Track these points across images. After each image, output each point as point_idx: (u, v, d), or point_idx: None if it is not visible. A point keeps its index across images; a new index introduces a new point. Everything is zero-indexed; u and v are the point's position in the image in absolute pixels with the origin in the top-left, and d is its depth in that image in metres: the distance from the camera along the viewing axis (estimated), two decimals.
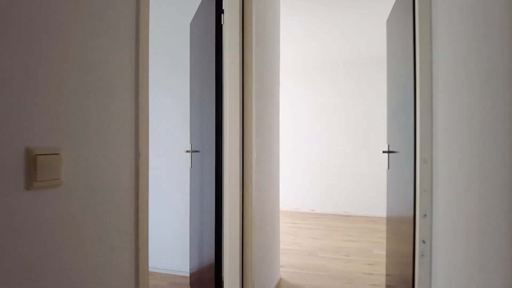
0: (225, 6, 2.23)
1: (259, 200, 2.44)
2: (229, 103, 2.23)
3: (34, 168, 0.73)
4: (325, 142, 5.94)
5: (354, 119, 5.81)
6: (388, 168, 2.48)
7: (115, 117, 0.93)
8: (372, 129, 5.71)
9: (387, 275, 2.61)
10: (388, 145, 2.47)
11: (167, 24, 3.05)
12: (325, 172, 5.91)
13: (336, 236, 4.32)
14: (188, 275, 2.92)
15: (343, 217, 5.55)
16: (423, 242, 1.78)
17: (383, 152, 2.43)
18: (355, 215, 5.66)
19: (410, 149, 1.93)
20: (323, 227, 4.83)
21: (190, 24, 2.78)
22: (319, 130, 5.99)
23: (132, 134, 0.96)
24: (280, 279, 2.96)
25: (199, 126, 2.56)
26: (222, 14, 2.25)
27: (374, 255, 3.56)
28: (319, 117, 5.99)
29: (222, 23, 2.26)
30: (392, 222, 2.45)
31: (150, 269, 3.02)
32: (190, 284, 2.74)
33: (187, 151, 2.64)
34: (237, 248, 2.23)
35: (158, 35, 3.04)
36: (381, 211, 5.55)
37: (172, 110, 3.03)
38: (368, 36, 4.51)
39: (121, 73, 0.98)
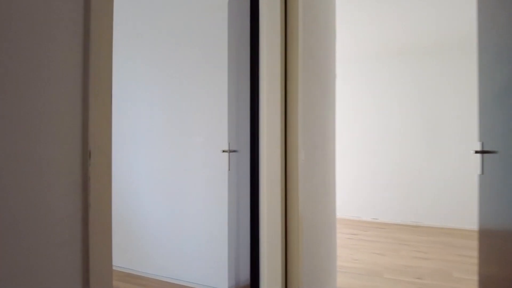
0: None
1: (308, 209, 1.98)
2: (266, 94, 1.80)
3: None
4: (389, 140, 5.24)
5: (426, 114, 5.04)
6: (482, 173, 1.87)
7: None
8: (448, 127, 4.90)
9: None
10: (482, 144, 1.86)
11: (202, 9, 2.70)
12: (389, 175, 5.21)
13: (404, 252, 3.67)
14: None
15: (412, 228, 4.82)
16: None
17: (476, 152, 1.82)
18: (425, 226, 4.90)
19: None
20: (388, 239, 4.18)
21: (228, 3, 2.40)
22: (382, 126, 5.30)
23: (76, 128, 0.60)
24: None
25: (235, 121, 2.17)
26: None
27: (455, 280, 2.89)
28: (382, 111, 5.31)
29: None
30: (490, 237, 1.83)
31: (182, 283, 2.70)
32: None
33: (223, 151, 2.26)
34: (278, 269, 1.79)
35: (194, 23, 2.71)
36: (459, 222, 4.73)
37: (209, 105, 2.68)
38: (449, 15, 3.80)
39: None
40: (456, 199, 4.78)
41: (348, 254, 3.60)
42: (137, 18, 3.02)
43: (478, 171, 1.89)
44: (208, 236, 2.67)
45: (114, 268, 3.12)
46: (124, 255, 3.08)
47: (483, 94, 1.89)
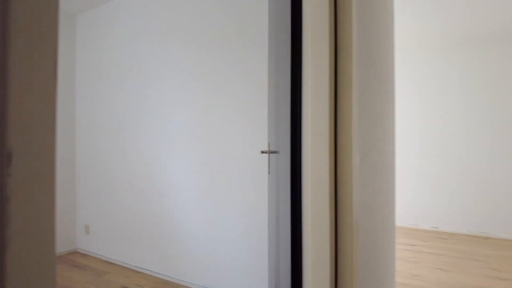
0: None
1: (364, 218, 1.66)
2: (310, 89, 1.52)
3: None
4: (454, 140, 4.66)
5: (498, 111, 4.41)
6: None
7: None
8: None
9: None
10: None
11: (240, 4, 2.46)
12: (453, 178, 4.63)
13: (474, 269, 3.17)
14: None
15: (480, 239, 4.23)
16: None
17: None
18: (496, 238, 4.28)
19: None
20: (452, 252, 3.68)
21: None
22: (446, 125, 4.73)
23: None
24: None
25: (275, 119, 1.90)
26: None
27: None
28: (445, 109, 4.73)
29: None
30: None
31: None
32: None
33: (262, 152, 1.99)
34: (326, 285, 1.50)
35: (231, 19, 2.48)
36: None
37: (247, 103, 2.43)
38: None
39: None
40: None
41: (406, 268, 3.17)
42: (174, 15, 2.86)
43: None
44: (247, 244, 2.42)
45: (151, 273, 2.98)
46: (162, 260, 2.93)
47: None
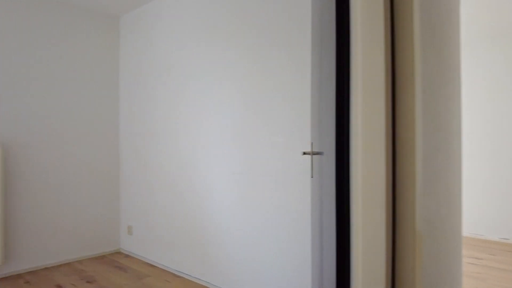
0: None
1: (428, 235, 1.39)
2: (362, 78, 1.29)
3: None
4: None
5: None
6: None
7: None
8: None
9: None
10: None
11: None
12: None
13: None
14: None
15: None
16: None
17: None
18: None
19: None
20: None
21: None
22: None
23: None
24: None
25: (318, 117, 1.68)
26: None
27: None
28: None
29: None
30: None
31: None
32: None
33: (304, 153, 1.78)
34: None
35: (272, 14, 2.30)
36: None
37: (288, 98, 2.23)
38: None
39: None
40: None
41: (472, 286, 2.78)
42: (213, 13, 2.73)
43: None
44: (288, 251, 2.21)
45: (191, 278, 2.88)
46: (202, 265, 2.81)
47: None
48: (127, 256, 3.53)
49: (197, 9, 2.86)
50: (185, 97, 2.97)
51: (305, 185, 2.10)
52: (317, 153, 1.72)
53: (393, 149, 1.26)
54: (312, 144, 1.78)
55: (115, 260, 3.39)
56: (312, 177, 1.79)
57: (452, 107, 1.66)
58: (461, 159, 1.86)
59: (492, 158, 4.27)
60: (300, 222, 2.14)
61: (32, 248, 3.11)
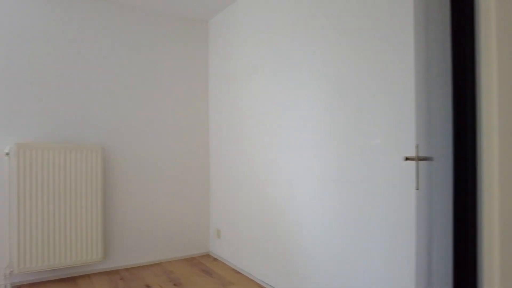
0: None
1: None
2: (497, 66, 0.93)
3: None
4: None
5: None
6: None
7: None
8: None
9: None
10: None
11: None
12: None
13: None
14: None
15: None
16: None
17: None
18: None
19: None
20: None
21: None
22: None
23: None
24: None
25: (426, 110, 1.32)
26: None
27: None
28: None
29: None
30: None
31: None
32: None
33: (407, 159, 1.43)
34: None
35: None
36: None
37: (386, 91, 1.87)
38: None
39: None
40: None
41: None
42: (304, 5, 2.51)
43: None
44: (386, 273, 1.85)
45: None
46: (287, 278, 2.59)
47: None
48: (215, 259, 3.50)
49: (286, 2, 2.67)
50: (273, 98, 2.80)
51: (407, 199, 1.71)
52: (424, 159, 1.35)
53: None
54: (417, 147, 1.42)
55: (203, 263, 3.38)
56: (417, 189, 1.42)
57: None
58: None
59: None
60: (402, 241, 1.77)
61: (128, 246, 3.28)
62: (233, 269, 3.21)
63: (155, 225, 3.42)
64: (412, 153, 1.65)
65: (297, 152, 2.51)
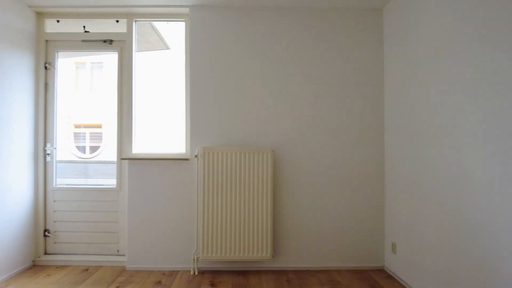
0: None
1: None
2: None
3: None
4: None
5: None
6: None
7: None
8: None
9: None
10: None
11: None
12: None
13: None
14: None
15: None
16: None
17: None
18: None
19: None
20: None
21: None
22: None
23: None
24: None
25: None
26: None
27: None
28: None
29: None
30: None
31: None
32: None
33: None
34: None
35: None
36: None
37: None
38: None
39: None
40: None
41: None
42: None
43: None
44: None
45: None
46: None
47: None
48: (388, 276, 3.09)
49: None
50: (464, 89, 2.24)
51: None
52: None
53: None
54: None
55: (374, 279, 3.03)
56: None
57: None
58: None
59: None
60: None
61: (295, 248, 3.28)
62: None
63: (324, 230, 3.30)
64: None
65: (495, 155, 1.89)
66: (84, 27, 3.51)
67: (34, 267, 3.32)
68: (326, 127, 3.33)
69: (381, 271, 3.23)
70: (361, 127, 3.35)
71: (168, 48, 4.82)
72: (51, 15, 3.45)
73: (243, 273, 3.18)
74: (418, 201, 2.70)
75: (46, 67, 3.47)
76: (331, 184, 3.32)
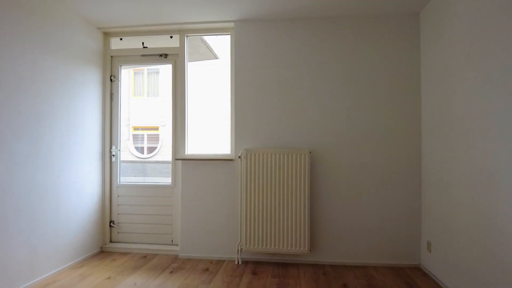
0: None
1: None
2: None
3: None
4: None
5: None
6: None
7: None
8: None
9: None
10: None
11: None
12: None
13: None
14: None
15: None
16: None
17: None
18: None
19: None
20: None
21: None
22: None
23: None
24: None
25: None
26: None
27: None
28: None
29: None
30: None
31: None
32: None
33: None
34: None
35: None
36: None
37: None
38: None
39: None
40: None
41: None
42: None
43: None
44: None
45: None
46: None
47: None
48: (424, 275, 3.18)
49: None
50: (492, 93, 2.33)
51: None
52: None
53: None
54: None
55: (410, 277, 3.14)
56: None
57: None
58: None
59: None
60: None
61: (333, 244, 3.48)
62: None
63: (360, 227, 3.47)
64: None
65: None
66: (143, 43, 3.99)
67: (102, 252, 3.85)
68: (363, 128, 3.49)
69: (417, 269, 3.32)
70: (398, 128, 3.47)
71: (216, 58, 5.22)
72: (116, 34, 3.98)
73: (283, 265, 3.44)
74: (451, 200, 2.79)
75: (111, 80, 4.00)
76: (368, 184, 3.48)
